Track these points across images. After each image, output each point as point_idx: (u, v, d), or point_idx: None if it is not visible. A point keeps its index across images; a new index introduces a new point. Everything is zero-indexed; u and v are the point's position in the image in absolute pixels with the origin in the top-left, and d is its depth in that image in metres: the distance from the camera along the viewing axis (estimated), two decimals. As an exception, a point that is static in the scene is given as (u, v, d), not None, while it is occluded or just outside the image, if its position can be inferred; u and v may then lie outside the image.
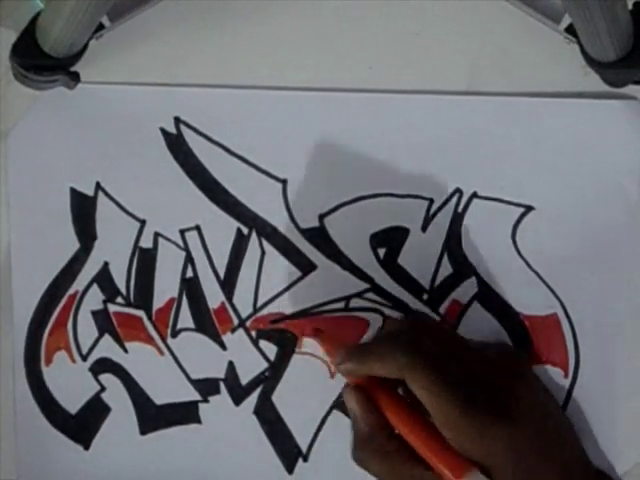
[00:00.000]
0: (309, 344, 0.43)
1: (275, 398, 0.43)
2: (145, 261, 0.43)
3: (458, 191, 0.42)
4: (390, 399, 0.36)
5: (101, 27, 0.40)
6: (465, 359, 0.36)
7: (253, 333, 0.43)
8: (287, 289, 0.43)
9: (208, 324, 0.43)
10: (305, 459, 0.44)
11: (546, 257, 0.42)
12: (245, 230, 0.43)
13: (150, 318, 0.44)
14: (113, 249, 0.44)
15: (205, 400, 0.44)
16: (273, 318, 0.43)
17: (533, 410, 0.36)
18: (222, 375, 0.44)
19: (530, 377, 0.39)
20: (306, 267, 0.43)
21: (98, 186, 0.43)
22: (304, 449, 0.44)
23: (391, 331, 0.39)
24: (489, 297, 0.42)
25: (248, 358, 0.43)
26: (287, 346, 0.43)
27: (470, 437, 0.33)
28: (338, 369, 0.38)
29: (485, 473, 0.33)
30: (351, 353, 0.37)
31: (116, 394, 0.44)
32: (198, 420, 0.44)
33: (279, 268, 0.43)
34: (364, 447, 0.37)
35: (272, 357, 0.43)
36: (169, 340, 0.44)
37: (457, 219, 0.42)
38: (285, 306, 0.43)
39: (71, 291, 0.44)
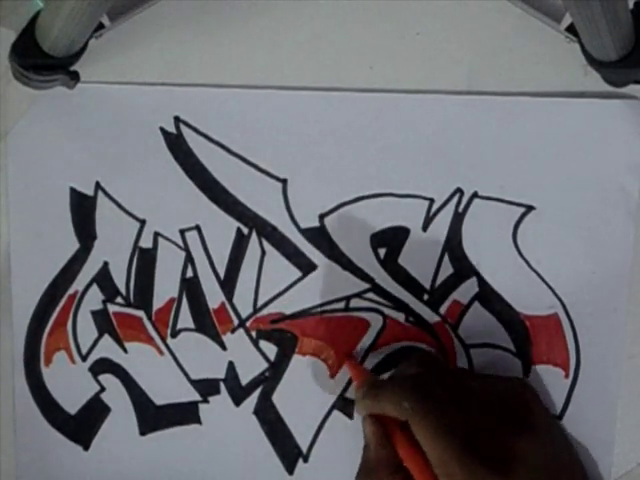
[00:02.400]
0: (309, 344, 0.43)
1: (275, 398, 0.43)
2: (145, 261, 0.43)
3: (459, 191, 0.42)
4: (403, 435, 0.37)
5: (101, 27, 0.40)
6: (470, 409, 0.36)
7: (253, 333, 0.43)
8: (287, 289, 0.43)
9: (208, 324, 0.43)
10: (305, 459, 0.44)
11: (547, 257, 0.41)
12: (245, 230, 0.43)
13: (150, 318, 0.44)
14: (113, 249, 0.44)
15: (205, 400, 0.44)
16: (273, 318, 0.43)
17: (534, 465, 0.35)
18: (222, 375, 0.44)
19: (541, 423, 0.38)
20: (306, 267, 0.43)
21: (98, 186, 0.43)
22: (304, 449, 0.43)
23: (402, 372, 0.39)
24: (490, 297, 0.42)
25: (248, 358, 0.43)
26: (287, 346, 0.43)
27: None
28: (358, 403, 0.39)
29: None
30: (367, 391, 0.38)
31: (116, 394, 0.44)
32: (198, 420, 0.44)
33: (279, 268, 0.43)
34: (367, 475, 0.38)
35: (272, 357, 0.43)
36: (169, 340, 0.44)
37: (458, 219, 0.42)
38: (285, 306, 0.43)
39: (71, 291, 0.44)
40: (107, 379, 0.44)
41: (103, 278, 0.44)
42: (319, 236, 0.42)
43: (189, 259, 0.43)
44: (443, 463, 0.34)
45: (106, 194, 0.43)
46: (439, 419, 0.35)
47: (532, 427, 0.37)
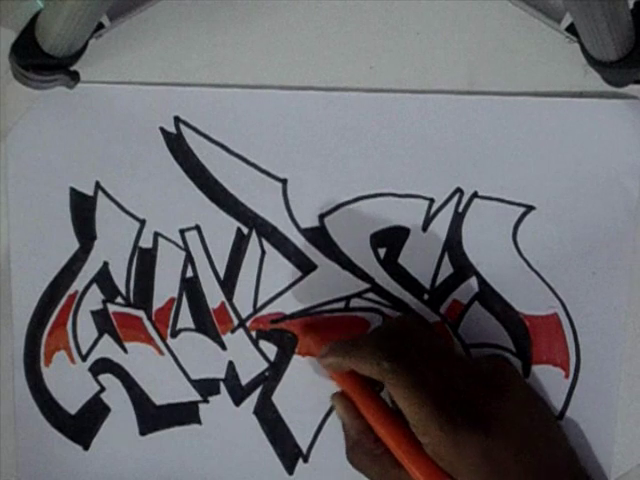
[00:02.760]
0: (309, 344, 0.43)
1: (275, 398, 0.43)
2: (145, 261, 0.43)
3: (459, 191, 0.42)
4: (372, 405, 0.37)
5: (101, 27, 0.40)
6: (449, 370, 0.37)
7: (253, 333, 0.43)
8: (287, 289, 0.43)
9: (208, 324, 0.43)
10: (305, 459, 0.44)
11: (547, 257, 0.41)
12: (245, 230, 0.43)
13: (150, 318, 0.44)
14: (113, 249, 0.44)
15: (205, 400, 0.44)
16: (273, 318, 0.43)
17: (512, 424, 0.36)
18: (222, 375, 0.44)
19: (517, 392, 0.38)
20: (306, 267, 0.43)
21: (98, 186, 0.43)
22: (304, 449, 0.43)
23: (380, 332, 0.39)
24: (490, 297, 0.42)
25: (248, 358, 0.43)
26: (287, 346, 0.43)
27: (444, 444, 0.34)
28: (321, 362, 0.39)
29: None
30: (335, 348, 0.38)
31: (116, 394, 0.44)
32: (198, 420, 0.44)
33: (279, 268, 0.43)
34: (354, 451, 0.38)
35: (272, 357, 0.43)
36: (169, 340, 0.44)
37: (458, 219, 0.42)
38: (285, 306, 0.43)
39: (71, 291, 0.44)
40: (107, 379, 0.44)
41: (103, 278, 0.44)
42: (319, 236, 0.42)
43: (189, 259, 0.43)
44: (422, 422, 0.34)
45: (106, 194, 0.43)
46: (417, 378, 0.35)
47: (508, 393, 0.37)
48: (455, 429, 0.34)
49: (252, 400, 0.44)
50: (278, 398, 0.43)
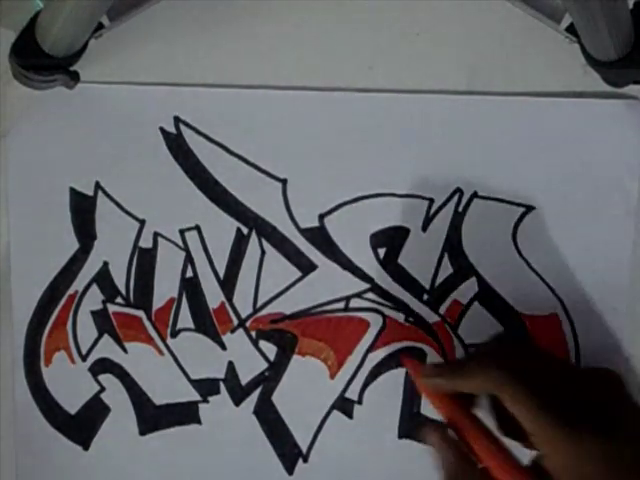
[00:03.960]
0: (309, 344, 0.43)
1: (275, 398, 0.43)
2: (145, 261, 0.43)
3: (458, 191, 0.42)
4: (473, 429, 0.36)
5: (101, 27, 0.40)
6: (561, 376, 0.36)
7: (253, 333, 0.43)
8: (287, 289, 0.43)
9: (208, 324, 0.43)
10: (305, 459, 0.44)
11: (546, 257, 0.42)
12: (245, 230, 0.43)
13: (150, 318, 0.44)
14: (113, 249, 0.44)
15: (205, 400, 0.44)
16: (273, 318, 0.43)
17: (630, 425, 0.35)
18: (222, 375, 0.44)
19: (626, 397, 0.37)
20: (306, 267, 0.43)
21: (97, 186, 0.43)
22: (304, 449, 0.43)
23: (482, 350, 0.39)
24: (490, 297, 0.42)
25: (248, 358, 0.43)
26: (287, 346, 0.43)
27: (566, 451, 0.33)
28: (425, 383, 0.37)
29: None
30: (440, 369, 0.37)
31: (116, 394, 0.44)
32: (198, 420, 0.44)
33: (279, 268, 0.43)
34: None
35: (272, 357, 0.43)
36: (169, 340, 0.44)
37: (457, 219, 0.42)
38: (285, 306, 0.43)
39: (70, 291, 0.44)
40: (107, 379, 0.44)
41: (103, 278, 0.44)
42: (319, 236, 0.42)
43: (189, 259, 0.43)
44: (543, 430, 0.33)
45: (106, 194, 0.43)
46: (534, 387, 0.34)
47: (622, 399, 0.37)
48: (577, 434, 0.33)
49: (252, 400, 0.44)
50: (278, 398, 0.43)
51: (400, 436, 0.43)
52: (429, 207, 0.42)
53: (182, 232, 0.43)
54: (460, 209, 0.42)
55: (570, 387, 0.36)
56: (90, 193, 0.43)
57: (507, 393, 0.34)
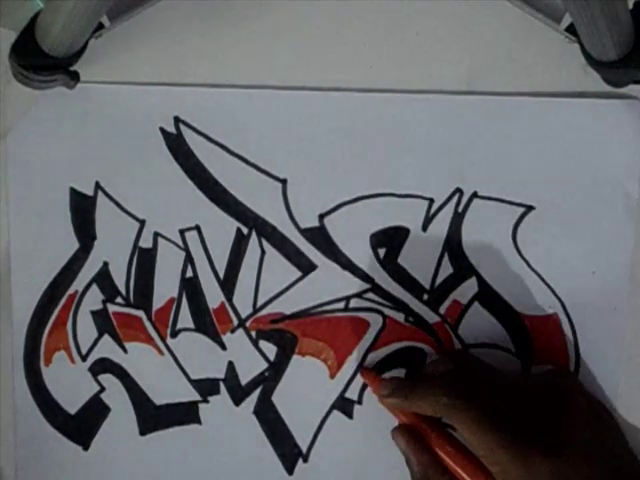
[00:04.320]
0: (309, 344, 0.43)
1: (275, 398, 0.43)
2: (145, 261, 0.43)
3: (458, 191, 0.42)
4: (437, 436, 0.37)
5: (101, 27, 0.40)
6: (509, 395, 0.36)
7: (253, 333, 0.43)
8: (287, 289, 0.43)
9: (208, 324, 0.43)
10: (305, 459, 0.44)
11: (546, 257, 0.41)
12: (245, 230, 0.43)
13: (150, 318, 0.44)
14: (113, 249, 0.44)
15: (205, 400, 0.44)
16: (273, 318, 0.43)
17: (581, 443, 0.35)
18: (222, 375, 0.44)
19: (580, 405, 0.38)
20: (306, 267, 0.43)
21: (98, 186, 0.43)
22: (304, 449, 0.43)
23: (433, 371, 0.39)
24: (489, 297, 0.42)
25: (248, 358, 0.43)
26: (287, 346, 0.43)
27: (514, 471, 0.34)
28: (383, 402, 0.39)
29: None
30: (397, 389, 0.38)
31: (116, 394, 0.44)
32: (198, 420, 0.44)
33: (279, 268, 0.43)
34: None
35: (272, 357, 0.43)
36: (169, 340, 0.44)
37: (457, 219, 0.42)
38: (285, 306, 0.43)
39: (71, 291, 0.44)
40: (107, 379, 0.44)
41: (103, 278, 0.44)
42: (319, 236, 0.42)
43: (189, 259, 0.43)
44: (490, 451, 0.34)
45: (106, 194, 0.43)
46: (480, 410, 0.35)
47: (575, 409, 0.37)
48: (525, 454, 0.34)
49: (252, 400, 0.44)
50: (278, 398, 0.43)
51: (400, 436, 0.43)
52: (429, 207, 0.42)
53: (182, 232, 0.43)
54: (460, 209, 0.42)
55: (518, 404, 0.36)
56: (90, 193, 0.43)
57: (455, 417, 0.35)
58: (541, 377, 0.40)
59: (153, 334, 0.44)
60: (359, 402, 0.43)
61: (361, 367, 0.43)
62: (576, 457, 0.34)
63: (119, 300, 0.44)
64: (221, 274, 0.43)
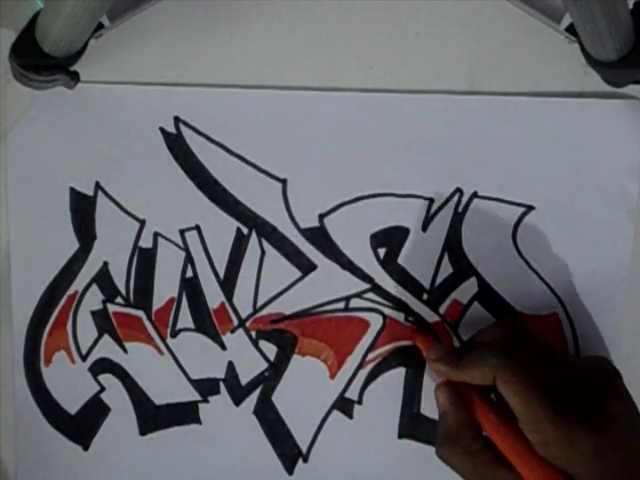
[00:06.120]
0: (309, 344, 0.43)
1: (275, 398, 0.43)
2: (145, 261, 0.43)
3: (458, 191, 0.42)
4: (481, 400, 0.37)
5: (101, 27, 0.40)
6: (556, 367, 0.36)
7: (253, 333, 0.43)
8: (287, 289, 0.43)
9: (208, 324, 0.43)
10: (305, 459, 0.44)
11: (546, 257, 0.42)
12: (245, 230, 0.43)
13: (150, 318, 0.44)
14: (113, 249, 0.44)
15: (205, 400, 0.44)
16: (273, 318, 0.43)
17: (622, 422, 0.35)
18: (222, 375, 0.44)
19: (622, 392, 0.38)
20: (306, 267, 0.43)
21: (97, 186, 0.43)
22: (304, 449, 0.43)
23: (484, 338, 0.39)
24: (489, 297, 0.42)
25: (248, 358, 0.43)
26: (287, 346, 0.43)
27: (556, 442, 0.34)
28: (432, 366, 0.39)
29: None
30: (447, 355, 0.38)
31: (116, 394, 0.44)
32: (198, 420, 0.44)
33: (279, 268, 0.43)
34: (449, 444, 0.37)
35: (272, 357, 0.43)
36: (169, 340, 0.44)
37: (457, 219, 0.42)
38: (285, 306, 0.43)
39: (70, 291, 0.44)
40: (107, 379, 0.44)
41: (103, 278, 0.44)
42: (319, 236, 0.42)
43: (189, 259, 0.43)
44: (533, 418, 0.34)
45: (106, 194, 0.43)
46: (529, 375, 0.35)
47: (615, 392, 0.37)
48: (568, 426, 0.34)
49: (252, 400, 0.44)
50: (278, 398, 0.43)
51: (400, 436, 0.43)
52: (429, 207, 0.42)
53: (182, 232, 0.43)
54: (460, 209, 0.42)
55: (565, 378, 0.36)
56: (90, 193, 0.43)
57: (501, 380, 0.35)
58: (588, 359, 0.40)
59: (153, 334, 0.44)
60: (359, 402, 0.43)
61: (413, 330, 0.42)
62: (617, 435, 0.34)
63: (119, 300, 0.44)
64: (221, 274, 0.43)
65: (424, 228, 0.42)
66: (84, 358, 0.44)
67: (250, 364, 0.43)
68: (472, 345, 0.38)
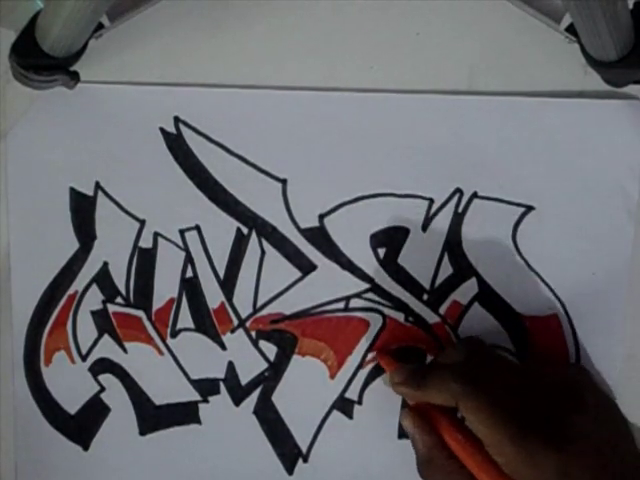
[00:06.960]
0: (309, 344, 0.43)
1: (275, 398, 0.43)
2: (145, 261, 0.43)
3: (458, 191, 0.42)
4: (447, 420, 0.37)
5: (100, 27, 0.40)
6: (519, 387, 0.36)
7: (253, 333, 0.43)
8: (287, 289, 0.43)
9: (208, 324, 0.43)
10: (305, 459, 0.44)
11: (546, 257, 0.41)
12: (245, 230, 0.43)
13: (150, 318, 0.44)
14: (113, 249, 0.44)
15: (205, 400, 0.44)
16: (273, 318, 0.43)
17: (589, 438, 0.35)
18: (222, 375, 0.44)
19: (594, 403, 0.37)
20: (306, 267, 0.43)
21: (97, 186, 0.43)
22: (304, 449, 0.43)
23: (446, 359, 0.39)
24: (489, 297, 0.42)
25: (248, 358, 0.43)
26: (287, 346, 0.43)
27: (521, 463, 0.34)
28: (395, 389, 0.39)
29: None
30: (409, 377, 0.38)
31: (116, 394, 0.44)
32: (198, 420, 0.44)
33: (279, 268, 0.43)
34: (426, 465, 0.38)
35: (272, 357, 0.43)
36: (169, 340, 0.44)
37: (457, 219, 0.42)
38: (285, 306, 0.43)
39: (70, 291, 0.44)
40: (107, 379, 0.44)
41: (103, 278, 0.44)
42: (319, 236, 0.42)
43: (189, 259, 0.43)
44: (497, 442, 0.34)
45: (106, 194, 0.43)
46: (491, 399, 0.35)
47: (585, 406, 0.37)
48: (531, 448, 0.34)
49: (252, 400, 0.44)
50: (278, 398, 0.43)
51: (400, 436, 0.43)
52: (429, 207, 0.42)
53: (182, 232, 0.43)
54: (460, 209, 0.42)
55: (529, 398, 0.36)
56: (90, 193, 0.43)
57: (464, 405, 0.35)
58: (553, 371, 0.40)
59: (153, 334, 0.44)
60: (359, 402, 0.43)
61: (378, 350, 0.42)
62: (582, 453, 0.34)
63: (119, 300, 0.44)
64: (221, 274, 0.43)
65: (424, 228, 0.42)
66: (84, 358, 0.44)
67: (250, 364, 0.43)
68: (435, 366, 0.39)
